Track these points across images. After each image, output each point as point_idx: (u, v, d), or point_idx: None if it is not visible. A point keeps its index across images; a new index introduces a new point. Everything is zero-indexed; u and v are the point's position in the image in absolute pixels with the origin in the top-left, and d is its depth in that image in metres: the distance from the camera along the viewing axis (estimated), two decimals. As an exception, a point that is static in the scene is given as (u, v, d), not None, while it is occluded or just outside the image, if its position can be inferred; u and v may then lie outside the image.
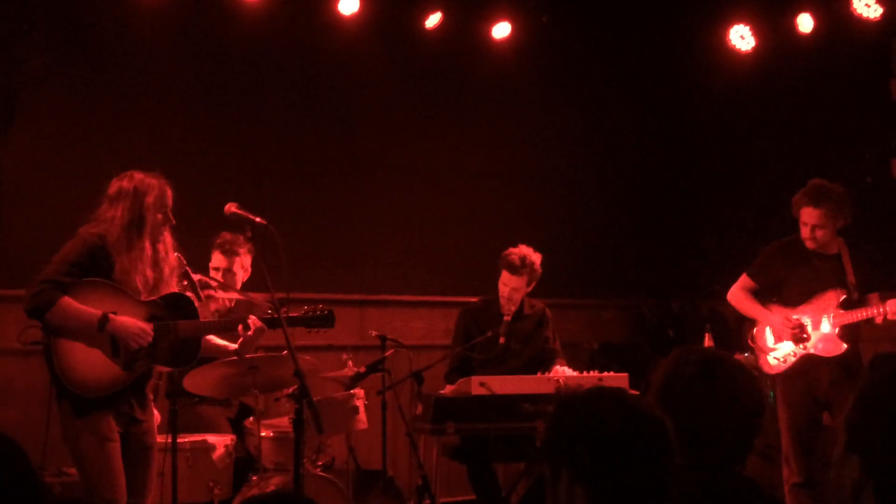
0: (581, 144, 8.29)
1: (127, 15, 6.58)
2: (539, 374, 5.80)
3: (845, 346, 5.50)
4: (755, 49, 7.72)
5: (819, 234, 5.49)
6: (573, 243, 8.10)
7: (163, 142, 6.49)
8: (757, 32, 7.69)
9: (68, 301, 4.22)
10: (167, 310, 4.46)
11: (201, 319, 4.57)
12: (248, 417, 5.62)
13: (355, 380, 5.58)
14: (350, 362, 5.78)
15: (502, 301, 6.18)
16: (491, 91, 7.90)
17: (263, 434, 5.36)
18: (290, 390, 5.13)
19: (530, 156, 8.10)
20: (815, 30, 7.38)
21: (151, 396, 4.65)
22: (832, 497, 2.09)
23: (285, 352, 4.48)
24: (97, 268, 4.32)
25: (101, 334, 4.28)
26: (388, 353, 5.83)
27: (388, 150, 7.55)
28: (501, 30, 7.68)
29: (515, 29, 7.70)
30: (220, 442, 5.22)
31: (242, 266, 5.70)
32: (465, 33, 7.65)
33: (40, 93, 6.30)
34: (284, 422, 5.49)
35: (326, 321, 4.86)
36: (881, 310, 5.34)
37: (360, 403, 5.61)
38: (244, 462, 5.48)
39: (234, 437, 5.43)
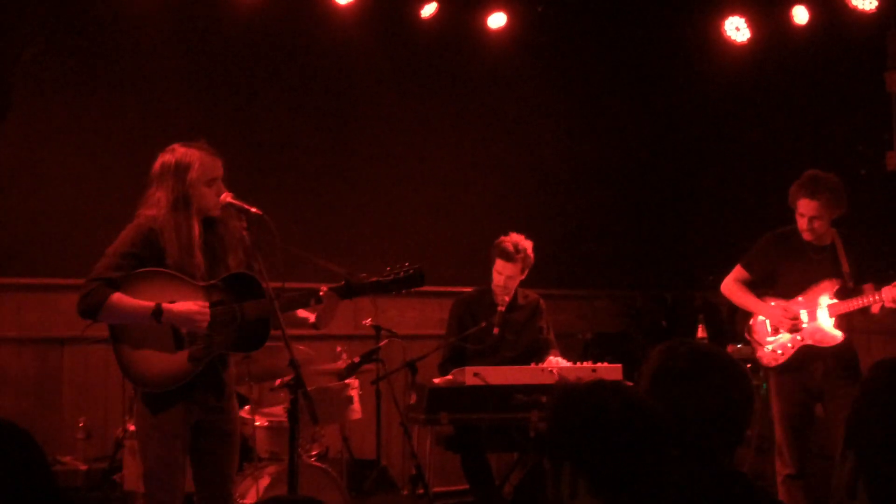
0: (575, 135, 8.30)
1: (122, 4, 6.58)
2: (533, 365, 5.81)
3: (841, 335, 5.52)
4: (750, 40, 7.72)
5: (816, 224, 5.49)
6: (567, 234, 8.11)
7: (157, 131, 6.47)
8: (752, 24, 7.69)
9: (119, 298, 4.01)
10: (230, 292, 4.21)
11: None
12: (243, 407, 5.62)
13: (349, 370, 5.59)
14: (344, 355, 5.78)
15: (497, 290, 6.17)
16: (486, 81, 7.90)
17: (257, 424, 5.37)
18: (285, 380, 5.11)
19: (525, 146, 8.10)
20: (811, 21, 7.38)
21: (231, 383, 4.39)
22: (833, 493, 2.11)
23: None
24: (151, 254, 4.09)
25: (160, 325, 4.06)
26: (383, 342, 5.84)
27: (382, 139, 7.55)
28: (497, 20, 7.67)
29: (511, 19, 7.70)
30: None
31: None
32: (461, 23, 7.65)
33: (35, 82, 6.30)
34: (279, 411, 5.50)
35: (416, 280, 4.39)
36: (877, 297, 5.34)
37: (354, 393, 5.63)
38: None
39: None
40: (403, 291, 4.45)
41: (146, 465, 4.21)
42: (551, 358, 5.95)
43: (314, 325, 4.50)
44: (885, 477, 1.89)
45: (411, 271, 4.38)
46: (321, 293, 4.32)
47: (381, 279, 4.37)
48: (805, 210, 5.48)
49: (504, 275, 6.10)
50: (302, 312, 4.47)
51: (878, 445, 1.92)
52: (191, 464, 4.37)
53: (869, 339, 6.46)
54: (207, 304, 4.15)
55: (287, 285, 4.49)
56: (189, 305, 4.11)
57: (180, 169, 4.17)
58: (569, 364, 5.81)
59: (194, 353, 4.16)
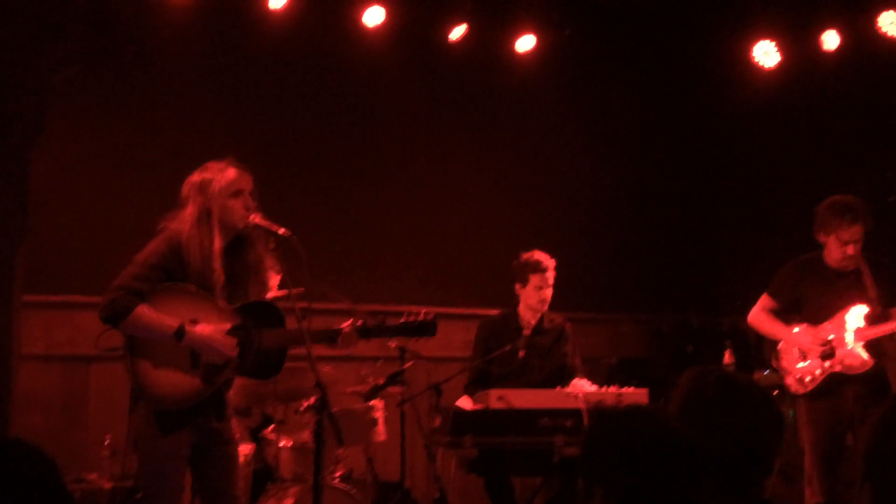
0: (602, 158, 8.29)
1: (155, 24, 6.64)
2: (558, 389, 5.79)
3: (871, 361, 5.47)
4: (780, 65, 7.69)
5: (858, 248, 5.46)
6: (593, 257, 8.09)
7: (187, 151, 6.50)
8: (782, 48, 7.66)
9: (144, 310, 4.02)
10: (252, 318, 4.22)
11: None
12: (268, 427, 5.62)
13: (374, 391, 5.59)
14: (370, 379, 5.78)
15: (538, 307, 6.16)
16: (513, 104, 7.92)
17: (282, 444, 5.37)
18: (310, 402, 5.10)
19: (551, 169, 8.10)
20: (841, 47, 7.35)
21: (230, 405, 4.40)
22: None
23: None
24: (177, 267, 4.11)
25: (179, 345, 4.07)
26: (407, 365, 5.83)
27: (409, 161, 7.57)
28: (525, 43, 7.68)
29: (539, 42, 7.70)
30: (239, 452, 5.22)
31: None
32: (490, 46, 7.66)
33: (70, 100, 6.35)
34: (304, 433, 5.50)
35: (427, 329, 4.48)
36: None
37: (379, 415, 5.62)
38: (262, 472, 5.49)
39: (253, 446, 5.44)
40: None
41: (144, 482, 4.19)
42: (576, 381, 5.93)
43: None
44: None
45: (427, 320, 4.47)
46: (344, 331, 4.35)
47: (396, 324, 4.46)
48: (849, 236, 5.43)
49: (545, 287, 6.11)
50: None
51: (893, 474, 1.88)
52: (194, 486, 4.38)
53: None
54: (235, 341, 4.15)
55: (313, 306, 4.50)
56: (213, 333, 4.12)
57: (204, 183, 4.22)
58: (594, 388, 5.78)
59: (209, 375, 4.15)
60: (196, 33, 6.75)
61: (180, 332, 4.05)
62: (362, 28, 7.16)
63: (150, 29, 6.63)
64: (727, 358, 6.87)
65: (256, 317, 4.24)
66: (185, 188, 4.27)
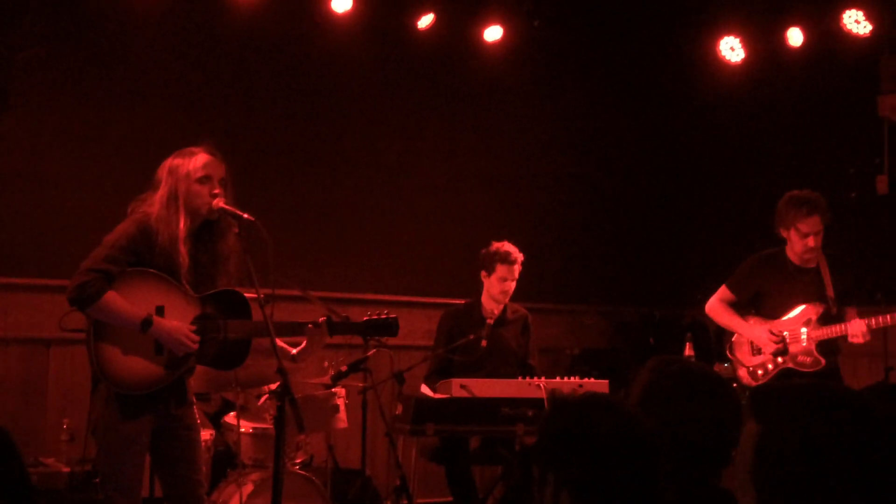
0: (568, 150, 8.31)
1: (121, 6, 6.58)
2: (520, 378, 5.81)
3: (823, 360, 5.51)
4: (745, 61, 7.76)
5: (818, 241, 5.49)
6: (557, 248, 8.12)
7: (149, 135, 6.47)
8: (747, 45, 7.72)
9: (113, 296, 3.99)
10: (219, 307, 4.22)
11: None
12: (228, 413, 5.60)
13: (336, 378, 5.58)
14: (331, 370, 5.77)
15: (500, 298, 6.16)
16: (480, 94, 7.92)
17: (243, 430, 5.35)
18: (272, 387, 5.10)
19: (516, 159, 8.12)
20: (805, 44, 7.42)
21: (192, 391, 4.38)
22: None
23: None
24: (145, 251, 4.09)
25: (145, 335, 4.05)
26: (370, 352, 5.83)
27: (375, 149, 7.56)
28: (493, 33, 7.69)
29: (507, 32, 7.71)
30: (200, 437, 5.20)
31: None
32: (457, 35, 7.66)
33: (34, 81, 6.29)
34: (265, 418, 5.49)
35: (389, 328, 4.52)
36: (856, 331, 5.34)
37: (340, 402, 5.62)
38: (222, 457, 5.47)
39: (213, 431, 5.42)
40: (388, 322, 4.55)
41: (103, 466, 4.16)
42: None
43: (293, 358, 4.45)
44: None
45: (390, 320, 4.51)
46: (311, 327, 4.36)
47: (360, 321, 4.51)
48: (809, 228, 5.45)
49: (510, 278, 6.12)
50: (284, 345, 4.45)
51: (801, 496, 1.81)
52: (156, 471, 4.37)
53: (855, 362, 6.47)
54: (196, 329, 4.14)
55: (277, 292, 4.48)
56: (179, 326, 4.10)
57: (174, 166, 4.21)
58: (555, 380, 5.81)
59: (172, 362, 4.14)
60: (164, 17, 6.70)
61: (147, 323, 4.04)
62: (330, 14, 7.13)
63: (116, 11, 6.57)
64: (688, 350, 6.92)
65: (223, 306, 4.23)
66: (159, 171, 4.25)
